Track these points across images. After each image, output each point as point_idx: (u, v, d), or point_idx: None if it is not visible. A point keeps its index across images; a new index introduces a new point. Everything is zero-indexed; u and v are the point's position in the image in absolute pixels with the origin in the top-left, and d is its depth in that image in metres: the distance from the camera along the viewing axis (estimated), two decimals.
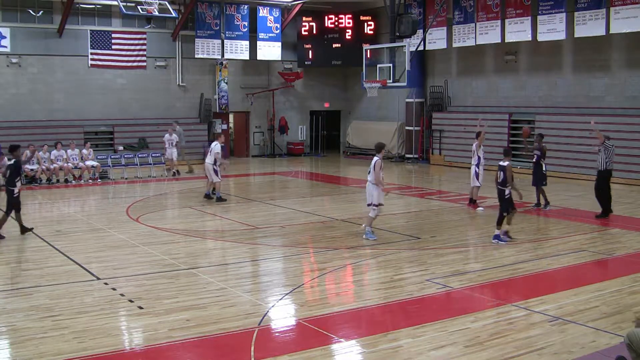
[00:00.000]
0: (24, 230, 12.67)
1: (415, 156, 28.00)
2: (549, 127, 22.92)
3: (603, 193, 14.39)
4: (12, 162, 12.58)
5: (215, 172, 16.60)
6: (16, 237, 12.61)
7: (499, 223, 11.94)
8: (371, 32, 30.19)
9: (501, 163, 12.05)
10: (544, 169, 15.65)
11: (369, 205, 12.30)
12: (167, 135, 23.15)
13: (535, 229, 13.52)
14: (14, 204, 12.47)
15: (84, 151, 21.71)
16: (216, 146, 16.74)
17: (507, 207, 11.89)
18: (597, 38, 20.87)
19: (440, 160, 26.93)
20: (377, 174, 12.17)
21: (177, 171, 22.86)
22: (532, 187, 15.97)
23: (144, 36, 27.24)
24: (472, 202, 15.83)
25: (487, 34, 23.97)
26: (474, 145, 15.82)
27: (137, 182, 21.64)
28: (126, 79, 27.17)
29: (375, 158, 12.34)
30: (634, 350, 5.69)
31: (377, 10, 29.02)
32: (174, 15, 24.97)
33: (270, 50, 29.18)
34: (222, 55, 28.24)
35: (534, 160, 15.87)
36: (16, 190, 12.44)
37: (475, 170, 15.68)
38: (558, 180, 21.24)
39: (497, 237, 11.89)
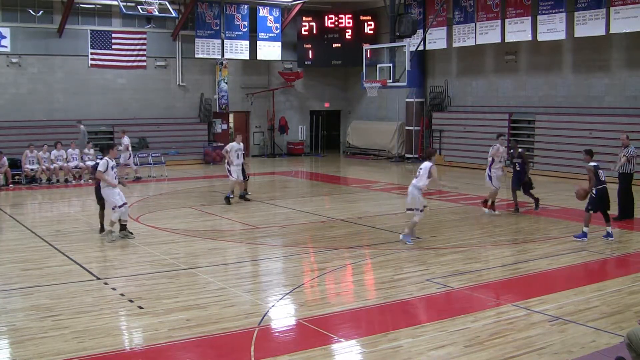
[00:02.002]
0: (103, 230, 12.80)
1: (415, 156, 27.98)
2: (549, 127, 22.96)
3: (627, 195, 14.04)
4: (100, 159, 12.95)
5: (229, 171, 16.43)
6: (16, 237, 12.62)
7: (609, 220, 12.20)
8: (371, 32, 30.18)
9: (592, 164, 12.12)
10: (528, 174, 15.24)
11: (410, 210, 11.74)
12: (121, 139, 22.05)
13: (535, 229, 13.51)
14: (99, 199, 12.68)
15: (86, 150, 21.71)
16: (229, 146, 16.66)
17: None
18: (597, 38, 20.87)
19: (440, 160, 26.87)
20: (424, 179, 11.64)
21: (138, 177, 21.90)
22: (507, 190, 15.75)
23: (144, 36, 27.24)
24: (486, 202, 15.07)
25: (487, 33, 23.97)
26: (502, 149, 15.09)
27: (137, 182, 21.63)
28: (126, 79, 27.18)
29: (429, 164, 11.66)
30: (633, 349, 5.69)
31: (377, 10, 29.02)
32: (174, 15, 24.97)
33: (270, 50, 29.19)
34: (222, 55, 28.24)
35: (517, 168, 15.19)
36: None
37: (488, 174, 15.00)
38: (558, 180, 21.25)
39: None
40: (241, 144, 16.79)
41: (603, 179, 12.02)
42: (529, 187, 15.27)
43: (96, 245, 11.82)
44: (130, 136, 26.16)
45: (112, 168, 12.14)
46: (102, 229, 12.75)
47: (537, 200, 15.35)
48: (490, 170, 15.07)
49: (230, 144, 16.84)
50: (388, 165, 27.52)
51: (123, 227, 12.29)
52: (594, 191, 12.01)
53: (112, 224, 12.18)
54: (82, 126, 23.01)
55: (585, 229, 11.99)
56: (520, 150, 15.66)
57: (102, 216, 12.81)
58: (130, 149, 21.87)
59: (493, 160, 15.10)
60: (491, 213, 14.84)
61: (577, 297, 8.56)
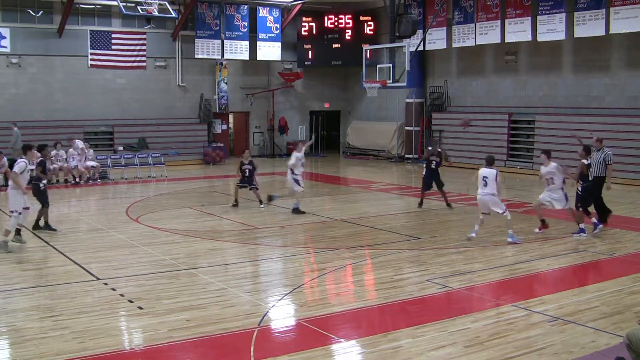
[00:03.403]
0: (36, 227, 12.80)
1: (415, 156, 27.98)
2: (549, 127, 22.96)
3: (600, 198, 13.75)
4: (39, 160, 12.81)
5: (297, 181, 15.36)
6: (16, 237, 12.61)
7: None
8: (371, 32, 30.19)
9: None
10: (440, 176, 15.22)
11: (503, 213, 11.73)
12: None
13: (534, 229, 13.49)
14: (40, 198, 12.69)
15: (72, 151, 21.54)
16: (292, 155, 15.67)
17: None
18: (597, 38, 20.87)
19: None
20: (499, 185, 11.71)
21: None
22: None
23: (144, 36, 27.25)
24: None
25: (487, 34, 23.98)
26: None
27: (136, 182, 21.64)
28: (126, 79, 27.19)
29: (494, 171, 11.72)
30: (633, 350, 5.69)
31: (377, 11, 29.02)
32: (173, 15, 24.99)
33: (270, 51, 29.20)
34: (222, 56, 28.25)
35: (432, 166, 15.31)
36: (41, 185, 12.76)
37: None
38: None
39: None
40: (302, 152, 15.69)
41: (590, 178, 12.47)
42: (441, 185, 15.46)
43: (96, 246, 11.81)
44: (130, 136, 26.38)
45: (28, 171, 11.76)
46: (37, 226, 12.77)
47: (447, 201, 15.57)
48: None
49: (295, 154, 15.63)
50: (388, 165, 27.51)
51: (18, 232, 11.60)
52: (579, 188, 12.29)
53: (7, 233, 11.31)
54: (15, 128, 22.52)
55: (581, 226, 12.20)
56: (439, 149, 15.55)
57: (45, 213, 12.78)
58: (86, 152, 21.13)
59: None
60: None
61: (577, 297, 8.57)
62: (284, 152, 30.87)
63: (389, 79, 20.46)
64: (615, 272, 10.23)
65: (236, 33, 28.43)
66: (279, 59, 29.66)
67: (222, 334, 7.21)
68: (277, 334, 7.48)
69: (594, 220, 12.44)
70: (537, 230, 12.83)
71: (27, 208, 11.80)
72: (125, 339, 7.30)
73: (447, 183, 22.03)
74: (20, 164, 11.62)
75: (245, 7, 28.52)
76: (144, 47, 27.35)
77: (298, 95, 31.66)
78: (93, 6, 26.39)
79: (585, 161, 12.38)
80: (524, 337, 7.08)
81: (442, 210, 15.72)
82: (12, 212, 11.45)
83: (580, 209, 12.32)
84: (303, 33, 30.22)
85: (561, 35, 21.65)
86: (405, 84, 20.83)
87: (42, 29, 25.41)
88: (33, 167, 12.31)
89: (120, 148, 24.91)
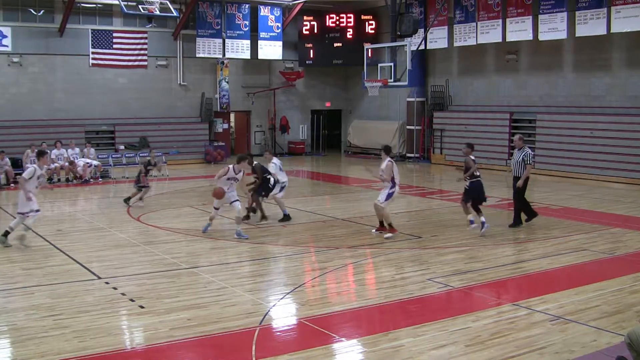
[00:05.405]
0: None
1: (416, 155, 28.00)
2: (550, 127, 22.96)
3: (523, 199, 13.45)
4: None
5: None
6: (17, 237, 12.62)
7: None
8: (372, 31, 30.18)
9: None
10: (271, 183, 13.96)
11: None
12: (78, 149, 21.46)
13: (535, 228, 13.49)
14: None
15: (85, 150, 21.67)
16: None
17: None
18: (598, 37, 20.86)
19: (441, 160, 26.93)
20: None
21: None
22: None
23: (145, 35, 27.26)
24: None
25: (488, 33, 23.97)
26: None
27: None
28: (127, 78, 27.20)
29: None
30: (634, 349, 5.69)
31: (378, 10, 29.03)
32: (175, 14, 25.00)
33: (271, 50, 29.21)
34: (223, 55, 28.26)
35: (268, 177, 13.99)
36: None
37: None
38: (559, 180, 21.26)
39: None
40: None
41: (477, 174, 12.62)
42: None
43: (97, 245, 11.82)
44: (131, 135, 26.37)
45: (38, 177, 11.79)
46: None
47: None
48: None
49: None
50: None
51: (6, 234, 11.62)
52: (467, 183, 12.57)
53: (26, 228, 11.60)
54: None
55: (470, 217, 12.57)
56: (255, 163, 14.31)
57: None
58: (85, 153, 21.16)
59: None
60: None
61: (578, 296, 8.56)
62: (285, 151, 30.89)
63: (390, 78, 20.49)
64: (616, 271, 10.22)
65: (237, 32, 28.43)
66: (280, 58, 29.67)
67: (223, 333, 7.21)
68: (278, 333, 7.48)
69: (482, 219, 12.43)
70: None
71: (38, 210, 11.78)
72: (126, 338, 7.30)
73: (448, 182, 22.14)
74: (30, 168, 11.77)
75: (247, 6, 28.52)
76: (145, 46, 27.35)
77: (299, 94, 31.66)
78: (94, 5, 26.39)
79: (471, 157, 12.67)
80: (525, 336, 7.08)
81: (442, 210, 15.73)
82: (27, 213, 11.52)
83: (465, 202, 12.73)
84: (304, 32, 30.22)
85: (562, 35, 21.64)
86: (406, 83, 20.87)
87: (43, 28, 25.42)
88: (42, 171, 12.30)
89: (122, 147, 24.92)
